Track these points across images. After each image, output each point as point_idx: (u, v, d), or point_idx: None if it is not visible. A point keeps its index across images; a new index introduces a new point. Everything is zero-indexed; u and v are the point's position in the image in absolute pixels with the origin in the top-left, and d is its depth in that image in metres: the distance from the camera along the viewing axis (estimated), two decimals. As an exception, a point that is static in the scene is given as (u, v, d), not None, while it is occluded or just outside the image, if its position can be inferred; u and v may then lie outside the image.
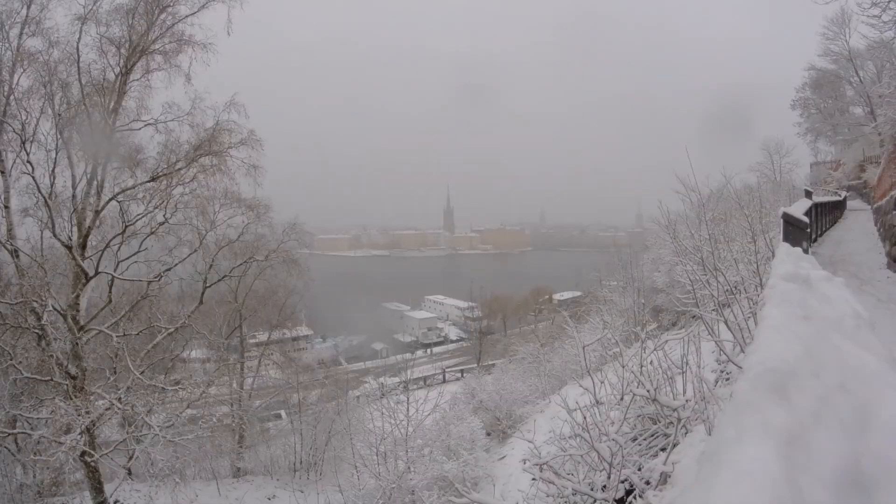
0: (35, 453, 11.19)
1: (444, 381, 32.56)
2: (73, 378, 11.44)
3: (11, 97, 11.35)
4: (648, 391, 3.71)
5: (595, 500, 3.46)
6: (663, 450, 3.75)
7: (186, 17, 12.74)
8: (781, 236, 6.06)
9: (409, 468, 10.01)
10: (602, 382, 4.43)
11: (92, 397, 11.29)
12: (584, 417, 3.75)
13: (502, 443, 13.55)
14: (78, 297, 11.87)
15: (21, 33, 11.48)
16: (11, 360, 11.27)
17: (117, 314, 12.80)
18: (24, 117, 11.51)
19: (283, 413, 20.51)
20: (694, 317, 5.96)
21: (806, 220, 6.28)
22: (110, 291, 12.67)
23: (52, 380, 11.41)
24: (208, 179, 13.41)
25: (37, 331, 11.50)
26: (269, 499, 15.27)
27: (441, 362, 46.34)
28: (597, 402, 4.19)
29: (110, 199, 12.36)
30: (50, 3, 11.76)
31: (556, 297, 61.27)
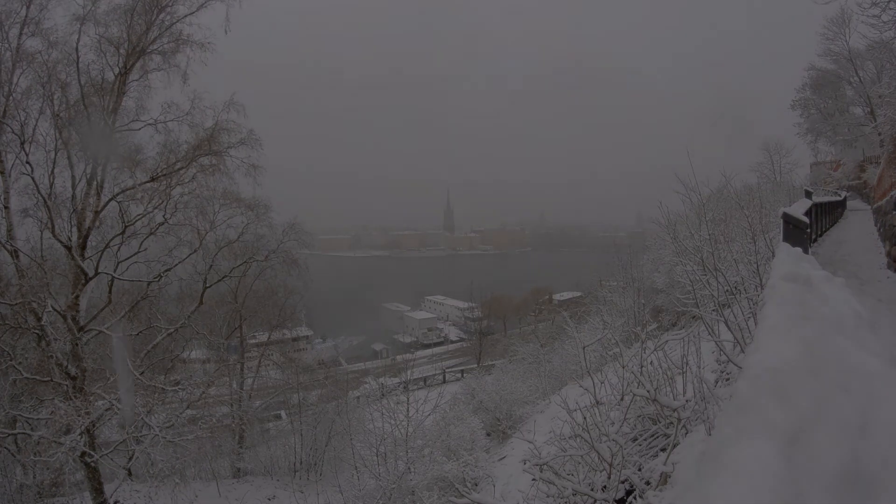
0: (35, 454, 11.17)
1: (444, 381, 32.46)
2: (73, 378, 11.44)
3: (10, 98, 11.35)
4: (648, 391, 3.70)
5: (595, 501, 3.46)
6: (663, 450, 3.75)
7: (185, 16, 12.80)
8: (781, 236, 6.04)
9: (409, 468, 10.00)
10: (602, 383, 4.42)
11: (92, 398, 11.28)
12: (584, 418, 3.75)
13: (502, 443, 13.50)
14: (78, 297, 11.87)
15: (20, 33, 11.50)
16: (11, 360, 11.26)
17: (117, 314, 12.79)
18: (23, 118, 11.53)
19: (283, 413, 20.49)
20: (694, 317, 5.96)
21: (806, 220, 6.26)
22: (110, 292, 12.67)
23: (51, 380, 11.41)
24: (207, 179, 13.47)
25: (37, 331, 11.49)
26: (269, 499, 15.24)
27: (441, 362, 46.19)
28: (597, 402, 4.18)
29: (110, 200, 12.37)
30: (49, 4, 11.79)
31: (556, 297, 61.07)
